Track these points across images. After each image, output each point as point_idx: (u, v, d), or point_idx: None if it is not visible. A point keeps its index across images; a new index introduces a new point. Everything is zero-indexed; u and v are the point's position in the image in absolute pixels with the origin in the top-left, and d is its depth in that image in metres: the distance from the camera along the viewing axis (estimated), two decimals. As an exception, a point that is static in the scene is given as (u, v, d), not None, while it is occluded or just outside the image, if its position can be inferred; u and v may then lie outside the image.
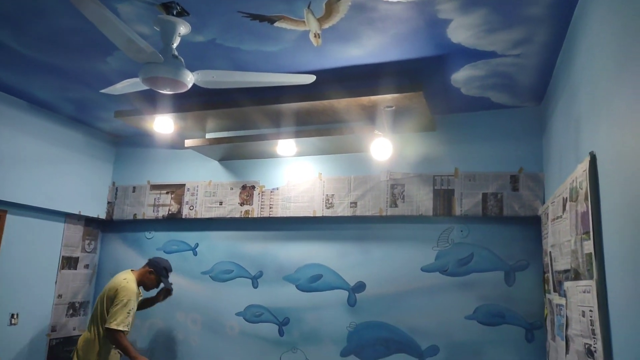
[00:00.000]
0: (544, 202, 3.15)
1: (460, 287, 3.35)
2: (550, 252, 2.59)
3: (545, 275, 2.90)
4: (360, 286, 3.57)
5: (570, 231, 2.05)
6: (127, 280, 3.43)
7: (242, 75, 2.21)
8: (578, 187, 1.93)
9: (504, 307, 3.24)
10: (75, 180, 3.98)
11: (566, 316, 2.13)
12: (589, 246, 1.75)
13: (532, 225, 3.23)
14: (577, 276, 1.93)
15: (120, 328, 3.30)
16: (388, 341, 3.43)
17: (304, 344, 3.62)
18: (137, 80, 2.16)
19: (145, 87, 2.22)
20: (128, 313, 3.36)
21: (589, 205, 1.76)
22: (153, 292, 3.66)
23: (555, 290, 2.48)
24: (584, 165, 1.83)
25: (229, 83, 2.23)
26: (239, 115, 3.26)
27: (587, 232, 1.77)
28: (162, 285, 3.60)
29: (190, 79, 2.08)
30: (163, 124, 3.35)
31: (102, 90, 2.60)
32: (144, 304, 3.67)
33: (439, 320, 3.34)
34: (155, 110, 3.26)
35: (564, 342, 2.17)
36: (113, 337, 3.30)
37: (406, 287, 3.46)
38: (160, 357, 3.94)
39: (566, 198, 2.17)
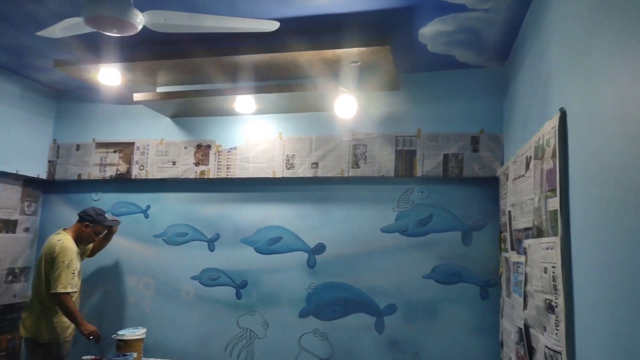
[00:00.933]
0: (503, 163, 3.19)
1: (419, 248, 3.38)
2: (509, 211, 2.63)
3: (502, 234, 2.96)
4: (320, 248, 3.54)
5: (534, 189, 2.06)
6: (62, 240, 3.24)
7: (199, 18, 2.02)
8: (545, 144, 1.93)
9: (461, 266, 3.31)
10: (10, 137, 3.65)
11: (525, 273, 2.18)
12: (554, 203, 1.76)
13: (491, 186, 3.28)
14: (539, 233, 1.95)
15: (68, 290, 3.13)
16: (347, 301, 3.45)
17: (262, 307, 3.59)
18: (78, 20, 1.94)
19: (88, 30, 2.00)
20: (73, 274, 3.19)
21: (556, 162, 1.76)
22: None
23: (513, 249, 2.53)
24: (553, 122, 1.82)
25: (183, 27, 2.04)
26: (193, 67, 3.05)
27: (553, 190, 1.78)
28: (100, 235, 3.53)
29: (139, 20, 1.87)
30: (109, 76, 3.09)
31: (39, 33, 2.33)
32: (93, 252, 3.56)
33: (397, 280, 3.38)
34: (99, 60, 2.99)
35: (521, 299, 2.23)
36: (60, 302, 3.13)
37: (366, 248, 3.46)
38: (110, 323, 3.79)
39: (530, 157, 2.18)
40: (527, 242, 2.17)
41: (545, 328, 1.84)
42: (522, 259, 2.30)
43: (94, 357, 3.25)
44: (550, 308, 1.77)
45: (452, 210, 3.38)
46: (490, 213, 3.30)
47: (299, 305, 3.52)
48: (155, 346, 3.70)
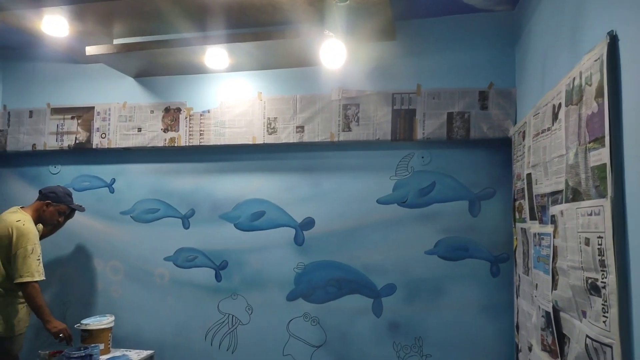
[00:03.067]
0: (515, 122, 2.83)
1: (420, 220, 3.04)
2: (528, 174, 2.28)
3: (517, 202, 2.62)
4: (309, 223, 3.19)
5: (567, 143, 1.71)
6: (22, 221, 2.86)
7: None
8: (583, 84, 1.56)
9: (468, 240, 2.98)
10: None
11: (553, 246, 1.84)
12: (600, 156, 1.41)
13: (501, 148, 2.93)
14: (576, 196, 1.60)
15: (36, 278, 2.79)
16: (340, 282, 3.12)
17: (245, 290, 3.25)
18: None
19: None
20: (38, 260, 2.84)
21: (603, 103, 1.39)
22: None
23: (534, 218, 2.19)
24: (597, 52, 1.45)
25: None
26: (154, 12, 2.62)
27: (598, 139, 1.42)
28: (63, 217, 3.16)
29: None
30: (54, 24, 2.67)
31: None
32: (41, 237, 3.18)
33: (396, 257, 3.05)
34: (42, 4, 2.55)
35: (548, 277, 1.90)
36: (27, 293, 2.78)
37: (360, 222, 3.12)
38: (75, 312, 3.44)
39: (559, 104, 1.82)
40: (556, 209, 1.82)
41: (584, 313, 1.51)
42: (547, 229, 1.96)
43: (54, 350, 2.90)
44: (594, 289, 1.43)
45: (457, 177, 3.03)
46: (501, 179, 2.95)
47: (286, 287, 3.19)
48: (127, 336, 3.36)
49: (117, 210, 3.48)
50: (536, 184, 2.13)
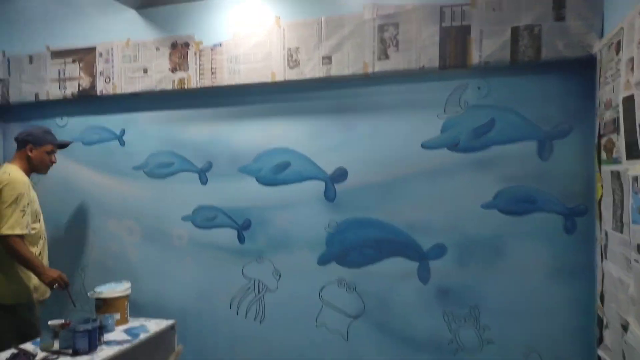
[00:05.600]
0: (602, 35, 2.21)
1: (475, 167, 2.53)
2: (628, 97, 1.70)
3: (604, 139, 2.05)
4: (341, 174, 2.74)
5: None
6: (8, 172, 2.58)
7: None
8: None
9: (535, 190, 2.45)
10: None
11: (673, 192, 1.30)
12: None
13: (581, 71, 2.35)
14: None
15: (17, 232, 2.51)
16: (379, 242, 2.68)
17: (271, 252, 2.88)
18: None
19: None
20: (23, 211, 2.55)
21: None
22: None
23: (637, 156, 1.64)
24: None
25: None
26: None
27: None
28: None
29: None
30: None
31: None
32: None
33: (446, 212, 2.57)
34: None
35: (663, 234, 1.37)
36: (8, 246, 2.52)
37: (402, 172, 2.64)
38: (93, 278, 3.22)
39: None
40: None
41: None
42: (661, 169, 1.41)
43: (62, 321, 2.68)
44: None
45: (522, 111, 2.47)
46: (580, 112, 2.37)
47: (317, 249, 2.79)
48: (147, 304, 3.12)
49: (129, 164, 3.17)
50: (642, 108, 1.57)
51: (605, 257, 2.05)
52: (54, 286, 2.64)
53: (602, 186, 2.11)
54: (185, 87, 2.90)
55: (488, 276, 2.52)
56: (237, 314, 2.95)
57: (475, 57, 2.42)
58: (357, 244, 2.73)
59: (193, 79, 2.88)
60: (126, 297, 2.89)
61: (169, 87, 2.93)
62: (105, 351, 2.26)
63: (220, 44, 2.83)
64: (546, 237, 2.44)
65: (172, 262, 3.08)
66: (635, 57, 1.64)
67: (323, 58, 2.64)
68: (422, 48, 2.50)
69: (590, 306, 2.34)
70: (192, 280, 3.04)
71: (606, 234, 2.04)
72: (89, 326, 2.27)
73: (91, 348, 2.24)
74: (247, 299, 2.94)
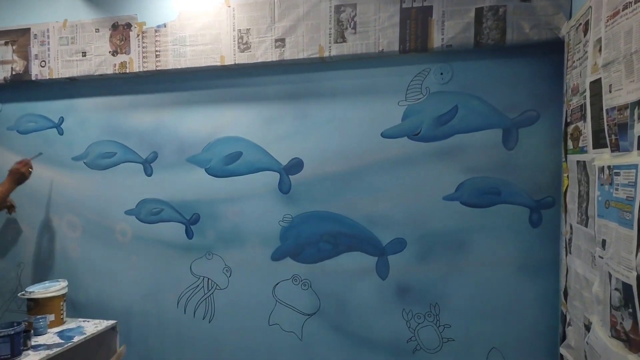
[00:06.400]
0: (570, 16, 2.08)
1: (437, 156, 2.38)
2: (595, 81, 1.57)
3: (571, 127, 1.93)
4: (296, 165, 2.56)
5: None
6: None
7: None
8: None
9: (500, 181, 2.32)
10: None
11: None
12: None
13: (548, 55, 2.22)
14: None
15: None
16: (337, 237, 2.52)
17: (221, 248, 2.69)
18: None
19: None
20: None
21: None
22: None
23: (602, 144, 1.50)
24: None
25: None
26: None
27: None
28: None
29: None
30: None
31: None
32: None
33: (406, 205, 2.42)
34: None
35: (631, 231, 1.24)
36: None
37: (361, 162, 2.47)
38: (31, 275, 2.97)
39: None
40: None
41: None
42: (629, 158, 1.28)
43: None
44: None
45: (487, 98, 2.32)
46: (548, 98, 2.25)
47: (271, 244, 2.61)
48: (88, 303, 2.90)
49: (68, 155, 2.92)
50: (610, 92, 1.43)
51: (570, 252, 1.93)
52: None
53: (568, 177, 1.98)
54: (127, 71, 2.66)
55: (449, 272, 2.38)
56: (184, 313, 2.75)
57: (437, 40, 2.26)
58: (312, 239, 2.56)
59: (135, 62, 2.64)
60: (62, 296, 2.66)
61: (110, 71, 2.69)
62: (30, 357, 2.05)
63: (164, 25, 2.60)
64: (511, 231, 2.31)
65: (116, 259, 2.85)
66: (602, 37, 1.49)
67: (276, 40, 2.44)
68: (381, 30, 2.33)
69: (556, 303, 2.23)
70: (137, 278, 2.82)
71: (571, 228, 1.91)
72: (10, 330, 2.05)
73: (14, 354, 2.05)
74: (195, 298, 2.74)
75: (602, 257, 1.49)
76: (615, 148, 1.40)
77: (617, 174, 1.38)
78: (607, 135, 1.46)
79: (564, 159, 2.05)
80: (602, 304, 1.50)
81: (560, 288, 2.18)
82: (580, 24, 1.81)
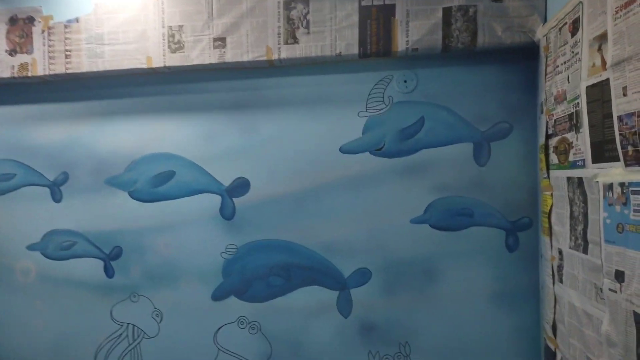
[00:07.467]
0: (546, 19, 1.92)
1: (403, 174, 2.14)
2: (596, 85, 1.38)
3: (555, 139, 1.75)
4: (241, 185, 2.23)
5: None
6: None
7: None
8: None
9: (473, 200, 2.12)
10: None
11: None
12: None
13: (521, 62, 2.06)
14: None
15: None
16: (290, 269, 2.20)
17: (149, 288, 2.28)
18: None
19: None
20: None
21: None
22: None
23: (612, 158, 1.31)
24: None
25: None
26: None
27: None
28: None
29: None
30: None
31: None
32: None
33: (370, 230, 2.16)
34: None
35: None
36: None
37: (316, 182, 2.18)
38: None
39: None
40: None
41: None
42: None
43: None
44: None
45: (456, 108, 2.13)
46: (521, 108, 2.08)
47: (211, 281, 2.24)
48: (-20, 362, 2.36)
49: (-47, 178, 2.40)
50: (625, 95, 1.23)
51: (560, 281, 1.73)
52: None
53: (551, 196, 1.79)
54: (30, 74, 2.22)
55: (419, 306, 2.13)
56: (106, 369, 2.30)
57: (401, 43, 2.04)
58: (261, 273, 2.22)
59: (40, 64, 2.20)
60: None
61: (7, 74, 2.24)
62: None
63: (76, 20, 2.19)
64: (485, 256, 2.10)
65: (16, 305, 2.37)
66: (609, 32, 1.31)
67: (215, 40, 2.12)
68: (337, 31, 2.07)
69: (536, 336, 2.04)
70: (44, 327, 2.35)
71: (560, 253, 1.72)
72: None
73: None
74: (117, 349, 2.30)
75: (615, 291, 1.28)
76: (633, 161, 1.20)
77: (636, 192, 1.18)
78: (619, 146, 1.26)
79: (545, 176, 1.87)
80: (615, 346, 1.29)
81: (541, 319, 1.98)
82: (566, 23, 1.64)
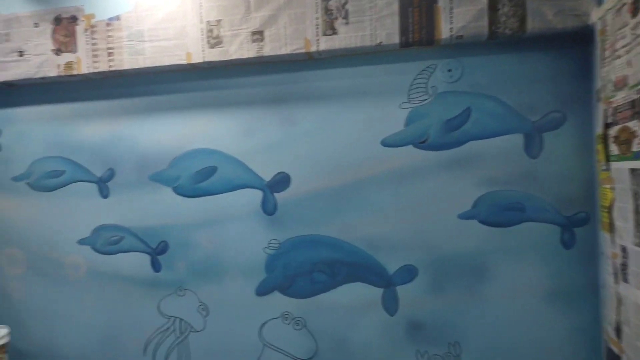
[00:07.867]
0: (600, 1, 1.80)
1: (449, 167, 2.07)
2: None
3: (616, 127, 1.64)
4: (282, 180, 2.21)
5: None
6: None
7: None
8: None
9: (524, 194, 2.02)
10: None
11: None
12: None
13: (575, 47, 1.94)
14: None
15: None
16: (333, 265, 2.17)
17: (195, 282, 2.32)
18: None
19: None
20: None
21: None
22: None
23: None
24: None
25: None
26: None
27: None
28: None
29: None
30: None
31: None
32: None
33: (415, 226, 2.10)
34: None
35: None
36: None
37: (358, 176, 2.14)
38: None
39: None
40: None
41: None
42: None
43: None
44: None
45: (504, 98, 2.03)
46: (575, 96, 1.97)
47: (254, 276, 2.25)
48: (37, 352, 2.48)
49: (7, 175, 2.51)
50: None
51: (624, 280, 1.63)
52: None
53: (612, 189, 1.69)
54: (75, 72, 2.27)
55: (470, 304, 2.06)
56: (153, 361, 2.37)
57: (444, 31, 1.96)
58: (305, 269, 2.21)
59: (84, 62, 2.25)
60: (2, 347, 2.26)
61: (53, 73, 2.29)
62: None
63: (118, 18, 2.22)
64: (539, 253, 2.01)
65: (67, 298, 2.45)
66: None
67: (253, 34, 2.10)
68: (377, 20, 2.00)
69: (597, 337, 1.94)
70: (94, 321, 2.42)
71: (624, 250, 1.62)
72: None
73: None
74: (166, 343, 2.36)
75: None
76: None
77: None
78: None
79: (604, 168, 1.76)
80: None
81: (601, 320, 1.89)
82: (625, 4, 1.53)
